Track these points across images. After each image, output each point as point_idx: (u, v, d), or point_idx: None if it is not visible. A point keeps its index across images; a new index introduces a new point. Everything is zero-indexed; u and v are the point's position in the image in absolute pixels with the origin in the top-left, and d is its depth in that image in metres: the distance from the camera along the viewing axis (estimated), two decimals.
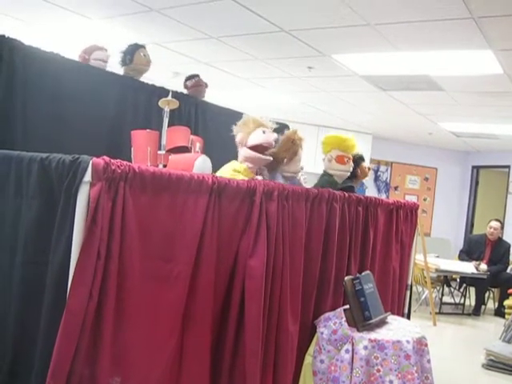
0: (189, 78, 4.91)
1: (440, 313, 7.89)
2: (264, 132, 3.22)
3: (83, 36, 5.65)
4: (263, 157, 3.21)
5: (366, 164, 4.39)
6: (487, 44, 4.75)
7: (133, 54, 4.13)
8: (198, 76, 4.90)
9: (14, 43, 3.23)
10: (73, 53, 3.78)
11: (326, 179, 3.79)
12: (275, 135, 3.28)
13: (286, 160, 3.39)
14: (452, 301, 8.55)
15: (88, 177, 1.95)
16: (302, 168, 3.55)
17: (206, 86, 4.94)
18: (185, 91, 4.77)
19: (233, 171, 3.16)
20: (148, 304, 2.24)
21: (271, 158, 3.28)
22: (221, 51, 5.94)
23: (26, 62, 3.26)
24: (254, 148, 3.19)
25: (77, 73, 3.57)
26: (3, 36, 3.17)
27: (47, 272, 2.03)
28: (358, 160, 4.15)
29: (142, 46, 4.20)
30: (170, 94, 3.29)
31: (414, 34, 4.72)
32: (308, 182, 3.82)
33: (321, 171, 3.91)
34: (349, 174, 3.92)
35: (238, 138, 3.24)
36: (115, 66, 4.15)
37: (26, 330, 2.12)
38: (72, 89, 3.52)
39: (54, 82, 3.42)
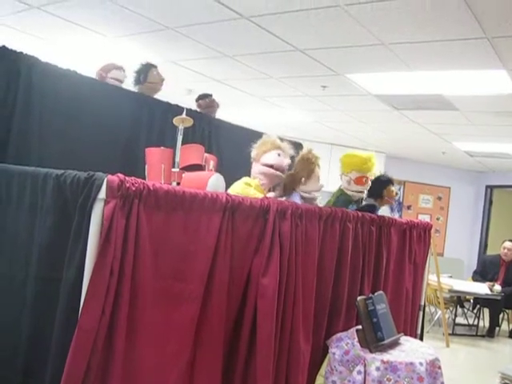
0: (201, 98, 4.91)
1: (453, 334, 7.81)
2: (279, 155, 3.25)
3: (99, 53, 5.72)
4: (275, 172, 3.25)
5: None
6: (501, 64, 4.74)
7: (146, 72, 4.16)
8: (210, 96, 4.91)
9: (32, 60, 3.26)
10: (88, 69, 3.81)
11: (343, 199, 3.75)
12: (289, 160, 3.30)
13: (303, 179, 3.36)
14: (465, 322, 8.47)
15: (102, 194, 1.96)
16: (322, 186, 3.50)
17: (218, 105, 4.96)
18: (198, 109, 4.79)
19: (244, 184, 3.17)
20: (160, 322, 2.23)
21: (282, 174, 3.31)
22: (235, 69, 5.98)
23: (43, 78, 3.29)
24: (265, 165, 3.26)
25: (92, 90, 3.60)
26: (21, 53, 3.21)
27: (60, 288, 2.03)
28: (385, 181, 4.09)
29: (154, 65, 4.24)
30: (185, 111, 3.29)
31: (428, 53, 4.72)
32: (322, 201, 3.78)
33: (333, 189, 3.89)
34: (364, 193, 3.88)
35: (253, 154, 3.30)
36: (129, 84, 4.18)
37: (39, 345, 2.12)
38: (87, 105, 3.55)
39: (70, 98, 3.45)
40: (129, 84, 4.16)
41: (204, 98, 4.90)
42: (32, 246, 2.20)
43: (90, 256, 1.94)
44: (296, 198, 3.36)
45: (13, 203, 2.36)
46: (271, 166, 3.27)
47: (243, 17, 4.37)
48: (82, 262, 1.95)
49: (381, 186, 4.02)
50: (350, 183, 3.75)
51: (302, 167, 3.38)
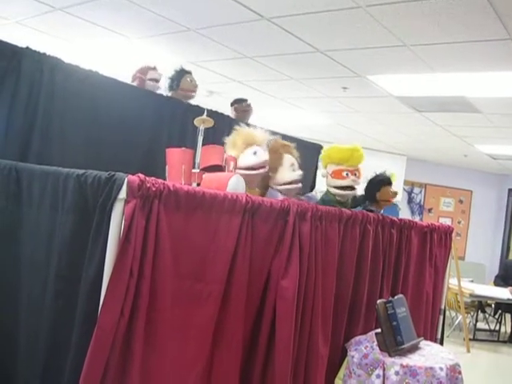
0: (237, 102, 4.91)
1: (474, 339, 7.72)
2: (255, 153, 3.00)
3: (121, 54, 5.76)
4: (254, 172, 3.02)
5: (395, 188, 3.89)
6: None
7: (179, 79, 4.19)
8: (246, 100, 4.92)
9: (55, 61, 3.29)
10: (110, 71, 3.83)
11: (324, 198, 3.47)
12: (266, 156, 3.04)
13: (270, 173, 3.12)
14: (487, 327, 8.36)
15: (123, 194, 1.96)
16: (298, 175, 3.21)
17: (252, 110, 4.96)
18: (219, 110, 4.80)
19: None
20: (179, 322, 2.23)
21: (261, 172, 3.06)
22: (256, 71, 5.98)
23: (65, 79, 3.31)
24: (246, 169, 3.00)
25: (114, 90, 3.62)
26: (44, 54, 3.24)
27: (79, 288, 2.04)
28: (377, 183, 3.75)
29: (188, 72, 4.26)
30: (205, 112, 3.29)
31: (451, 55, 4.68)
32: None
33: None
34: (354, 189, 3.50)
35: (225, 156, 3.05)
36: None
37: (57, 344, 2.13)
38: (109, 106, 3.57)
39: (92, 98, 3.47)
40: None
41: (240, 102, 4.90)
42: (52, 245, 2.21)
43: (110, 256, 1.94)
44: (276, 195, 3.17)
45: (34, 202, 2.38)
46: (251, 168, 3.02)
47: (264, 18, 4.37)
48: (101, 261, 1.95)
49: (373, 189, 3.74)
50: (327, 178, 3.46)
51: (270, 161, 3.10)
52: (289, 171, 3.20)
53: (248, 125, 4.79)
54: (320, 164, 3.61)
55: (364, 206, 3.68)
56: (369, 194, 3.76)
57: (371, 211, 3.63)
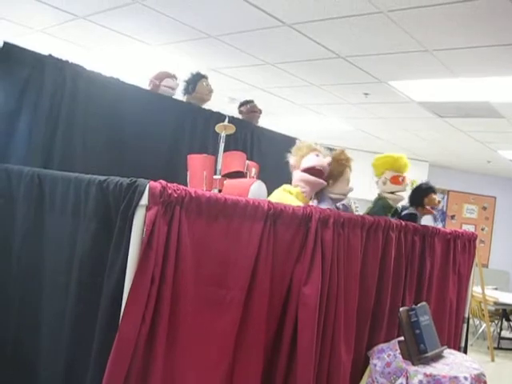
0: (243, 104, 4.94)
1: (498, 348, 7.60)
2: (317, 155, 3.20)
3: (142, 62, 5.80)
4: (317, 179, 3.18)
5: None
6: None
7: (195, 83, 4.19)
8: (252, 102, 4.93)
9: (77, 68, 3.32)
10: (132, 78, 3.86)
11: (382, 204, 3.59)
12: (329, 159, 3.24)
13: (331, 181, 3.29)
14: (511, 336, 8.23)
15: (144, 200, 1.95)
16: (351, 189, 3.42)
17: (260, 112, 4.96)
18: (240, 116, 4.81)
19: (283, 191, 3.14)
20: (200, 329, 2.22)
21: (324, 182, 3.23)
22: (277, 77, 5.98)
23: (88, 86, 3.34)
24: (307, 170, 3.17)
25: (136, 97, 3.65)
26: (67, 61, 3.27)
27: (101, 293, 2.04)
28: (426, 189, 4.01)
29: (204, 76, 4.26)
30: (227, 119, 3.30)
31: (474, 59, 4.63)
32: (360, 208, 3.73)
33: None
34: (403, 193, 3.69)
35: (291, 162, 3.25)
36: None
37: (79, 352, 2.13)
38: (131, 113, 3.59)
39: (114, 106, 3.50)
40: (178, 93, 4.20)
41: (246, 104, 4.92)
42: (74, 251, 2.22)
43: (132, 262, 1.94)
44: (325, 200, 3.33)
45: (56, 209, 2.40)
46: (313, 168, 3.20)
47: (285, 24, 4.37)
48: (123, 267, 1.95)
49: (421, 195, 3.97)
50: (386, 183, 3.59)
51: (331, 169, 3.30)
52: (346, 184, 3.39)
53: (259, 127, 4.82)
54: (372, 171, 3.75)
55: (409, 210, 3.89)
56: (416, 198, 3.97)
57: (415, 215, 3.85)
